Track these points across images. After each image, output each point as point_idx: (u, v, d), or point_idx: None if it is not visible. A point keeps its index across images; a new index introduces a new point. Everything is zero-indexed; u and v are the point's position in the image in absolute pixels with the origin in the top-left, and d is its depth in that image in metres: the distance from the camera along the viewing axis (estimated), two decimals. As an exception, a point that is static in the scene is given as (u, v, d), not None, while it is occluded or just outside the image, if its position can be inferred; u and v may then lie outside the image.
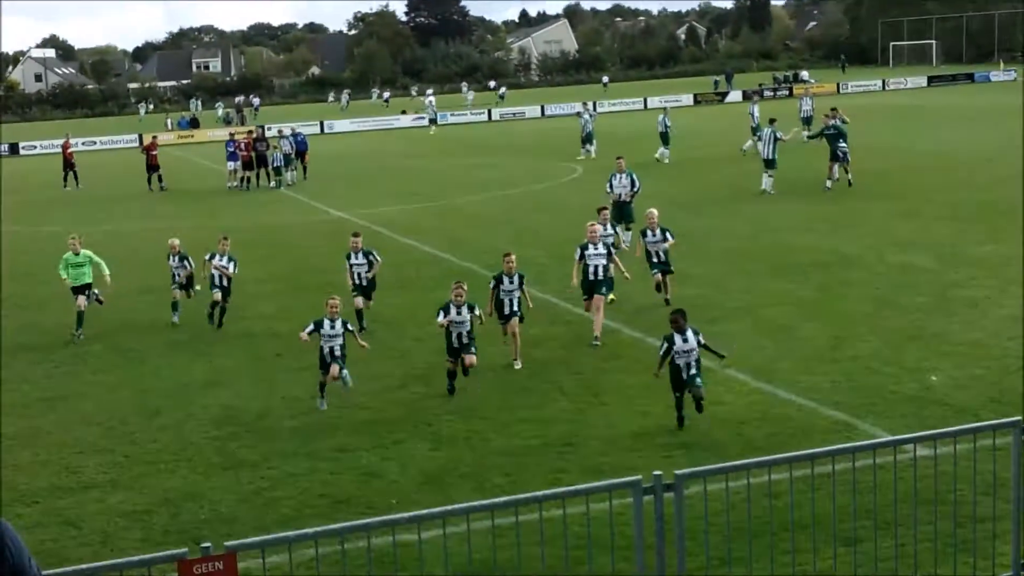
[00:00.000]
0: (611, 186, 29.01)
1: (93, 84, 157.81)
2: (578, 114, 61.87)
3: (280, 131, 54.23)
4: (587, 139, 53.98)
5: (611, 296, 20.84)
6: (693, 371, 15.00)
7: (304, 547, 10.21)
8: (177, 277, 23.39)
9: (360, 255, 21.65)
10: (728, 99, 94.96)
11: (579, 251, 19.92)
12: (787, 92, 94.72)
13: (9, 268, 31.42)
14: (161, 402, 17.60)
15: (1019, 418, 9.62)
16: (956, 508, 10.07)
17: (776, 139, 37.56)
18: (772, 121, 38.69)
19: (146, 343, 21.69)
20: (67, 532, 12.69)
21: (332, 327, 16.75)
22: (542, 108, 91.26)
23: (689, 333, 15.04)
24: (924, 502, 9.98)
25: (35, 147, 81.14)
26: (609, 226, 22.10)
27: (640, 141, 59.80)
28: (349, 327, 17.12)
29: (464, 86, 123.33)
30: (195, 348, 21.05)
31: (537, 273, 26.12)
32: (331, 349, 16.79)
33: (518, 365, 18.38)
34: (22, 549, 6.20)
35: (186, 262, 23.34)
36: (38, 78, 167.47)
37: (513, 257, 18.72)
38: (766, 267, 25.57)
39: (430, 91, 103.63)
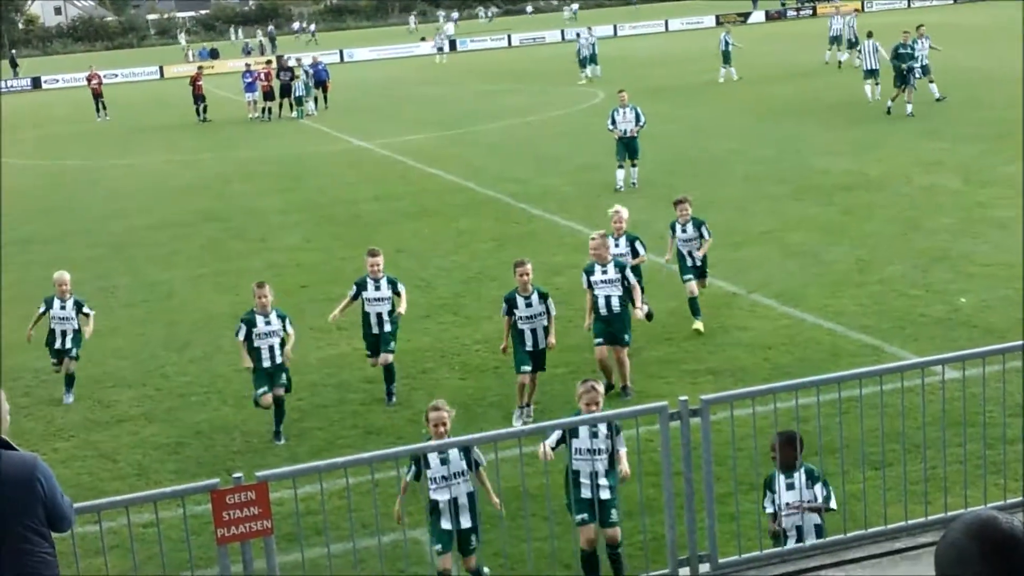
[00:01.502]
0: (614, 121, 26.71)
1: (112, 16, 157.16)
2: (577, 35, 61.53)
3: (299, 61, 53.95)
4: (584, 62, 54.32)
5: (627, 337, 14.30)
6: None
7: (335, 477, 10.34)
8: (59, 339, 15.23)
9: (382, 284, 14.49)
10: (751, 20, 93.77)
11: (584, 278, 14.18)
12: (811, 12, 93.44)
13: (34, 204, 31.54)
14: (190, 336, 17.72)
15: (1048, 340, 9.59)
16: (985, 430, 10.08)
17: (876, 50, 37.53)
18: (870, 35, 38.60)
19: (172, 277, 21.80)
20: (103, 465, 12.85)
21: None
22: (562, 32, 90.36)
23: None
24: (953, 424, 10.00)
25: (57, 80, 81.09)
26: (619, 207, 16.24)
27: (655, 67, 59.34)
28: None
29: (481, 10, 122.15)
30: (221, 281, 21.14)
31: (559, 202, 26.08)
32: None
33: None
34: (54, 484, 6.31)
35: (81, 311, 15.47)
36: (57, 11, 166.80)
37: (529, 267, 13.42)
38: (790, 190, 25.42)
39: (455, 15, 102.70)
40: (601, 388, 9.44)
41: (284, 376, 13.37)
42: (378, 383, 14.96)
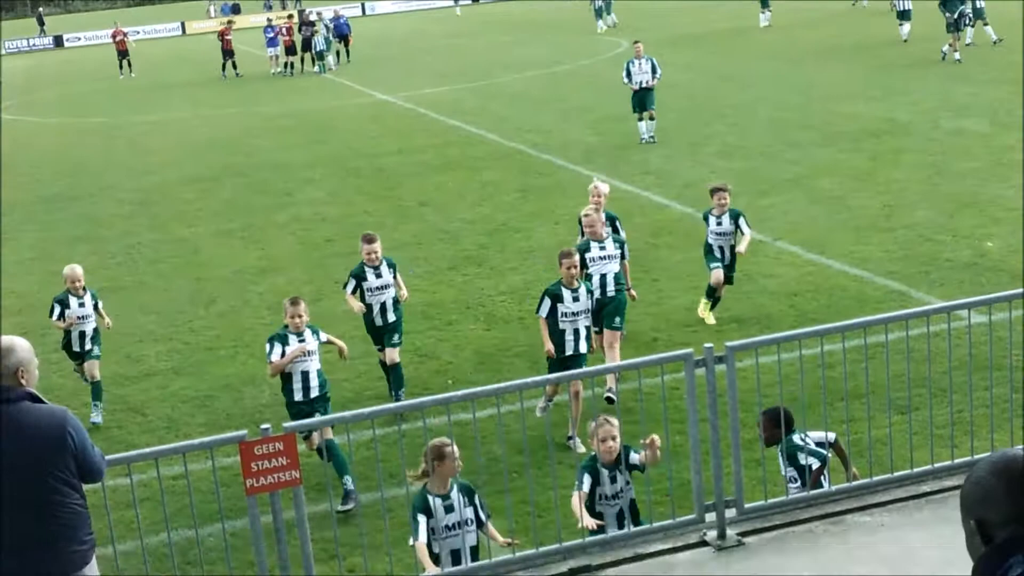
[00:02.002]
0: (629, 74, 25.96)
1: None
2: None
3: (320, 15, 53.79)
4: (600, 12, 54.17)
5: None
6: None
7: (362, 428, 10.42)
8: (77, 341, 13.40)
9: (383, 270, 12.94)
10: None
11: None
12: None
13: (59, 163, 31.66)
14: (217, 290, 17.81)
15: (1076, 282, 9.53)
16: (1012, 374, 10.04)
17: None
18: None
19: (197, 231, 21.87)
20: (132, 419, 12.98)
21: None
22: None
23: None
24: (979, 368, 9.96)
25: (79, 39, 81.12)
26: (598, 182, 14.54)
27: (678, 15, 58.91)
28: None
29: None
30: (246, 236, 21.20)
31: (584, 152, 25.99)
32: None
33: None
34: (84, 436, 6.38)
35: (95, 305, 13.49)
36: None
37: (576, 258, 11.83)
38: (817, 136, 25.25)
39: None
40: (615, 422, 8.47)
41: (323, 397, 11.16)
42: (404, 334, 14.94)
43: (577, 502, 8.23)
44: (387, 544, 8.51)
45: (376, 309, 12.86)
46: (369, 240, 12.90)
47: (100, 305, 13.50)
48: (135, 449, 10.14)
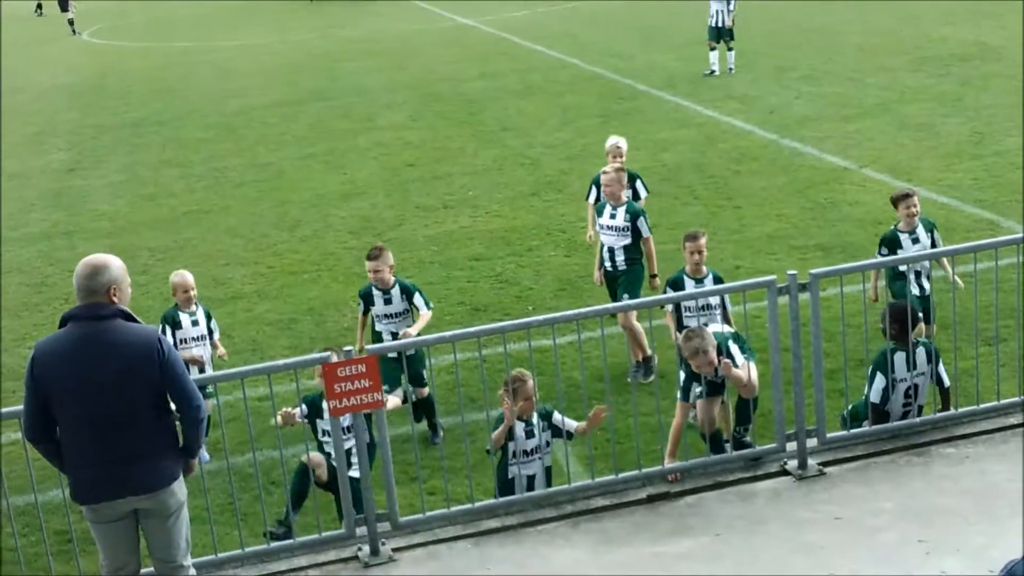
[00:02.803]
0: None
1: None
2: None
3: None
4: None
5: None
6: None
7: (443, 352, 10.51)
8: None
9: (394, 293, 10.48)
10: None
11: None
12: None
13: (143, 87, 31.99)
14: (300, 214, 17.96)
15: None
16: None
17: None
18: None
19: (281, 156, 22.03)
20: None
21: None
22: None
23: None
24: (1070, 300, 9.75)
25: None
26: (617, 139, 12.85)
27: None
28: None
29: None
30: (329, 160, 21.32)
31: (666, 77, 25.69)
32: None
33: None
34: (175, 358, 6.44)
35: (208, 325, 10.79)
36: None
37: (704, 241, 10.26)
38: (906, 61, 24.70)
39: None
40: (530, 380, 8.08)
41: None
42: (484, 260, 15.00)
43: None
44: (468, 468, 8.61)
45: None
46: (371, 257, 10.33)
47: (215, 327, 10.84)
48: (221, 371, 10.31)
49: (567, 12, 38.69)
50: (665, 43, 30.09)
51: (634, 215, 11.12)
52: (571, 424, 8.34)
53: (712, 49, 25.47)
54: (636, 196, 12.21)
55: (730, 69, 25.50)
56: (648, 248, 11.17)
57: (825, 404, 8.63)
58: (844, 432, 8.68)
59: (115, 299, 6.36)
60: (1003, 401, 8.87)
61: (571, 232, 15.86)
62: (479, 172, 19.29)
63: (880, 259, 10.35)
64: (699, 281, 10.11)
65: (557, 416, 8.31)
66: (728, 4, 25.29)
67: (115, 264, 6.43)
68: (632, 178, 12.23)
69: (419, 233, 16.47)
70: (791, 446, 8.52)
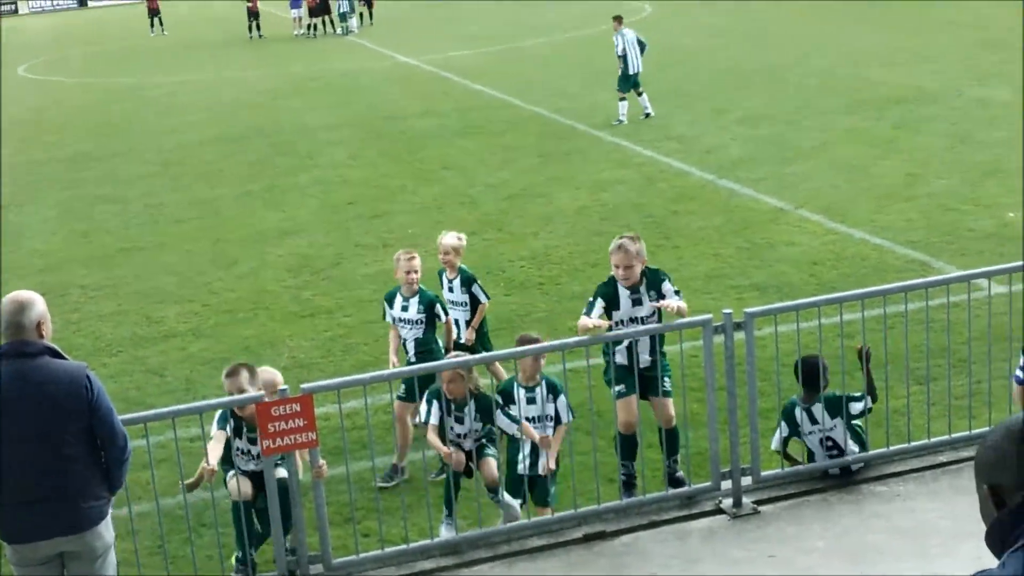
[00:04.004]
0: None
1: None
2: None
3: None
4: None
5: None
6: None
7: (380, 391, 10.43)
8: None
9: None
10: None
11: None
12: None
13: (83, 122, 31.73)
14: (237, 251, 17.84)
15: (1099, 254, 9.44)
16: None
17: None
18: None
19: (219, 193, 21.89)
20: (151, 380, 13.02)
21: None
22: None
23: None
24: (999, 339, 9.89)
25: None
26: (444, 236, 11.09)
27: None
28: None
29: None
30: (268, 198, 21.22)
31: (606, 118, 25.88)
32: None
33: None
34: (103, 396, 6.35)
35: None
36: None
37: (635, 248, 8.83)
38: (843, 104, 25.06)
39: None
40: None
41: None
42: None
43: (432, 435, 8.34)
44: (403, 508, 8.55)
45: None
46: (229, 374, 8.35)
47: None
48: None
49: (508, 53, 38.93)
50: (605, 84, 30.28)
51: (467, 282, 10.66)
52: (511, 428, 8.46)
53: (622, 99, 25.02)
54: (476, 302, 10.76)
55: (647, 113, 25.25)
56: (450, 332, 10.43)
57: (760, 443, 8.68)
58: (778, 470, 8.73)
59: (43, 335, 6.30)
60: (933, 439, 8.98)
61: (511, 271, 15.88)
62: (419, 210, 19.29)
63: (814, 299, 10.44)
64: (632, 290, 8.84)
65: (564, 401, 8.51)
66: (639, 51, 25.06)
67: (40, 300, 6.40)
68: (468, 281, 10.80)
69: (358, 271, 16.41)
70: (726, 484, 8.56)
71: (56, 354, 6.34)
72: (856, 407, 8.74)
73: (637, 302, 8.74)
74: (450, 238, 10.76)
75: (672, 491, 8.58)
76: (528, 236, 17.36)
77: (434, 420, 8.34)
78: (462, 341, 10.47)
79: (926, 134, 21.61)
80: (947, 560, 7.34)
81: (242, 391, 8.00)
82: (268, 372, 8.85)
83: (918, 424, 9.13)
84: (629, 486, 8.80)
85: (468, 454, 8.41)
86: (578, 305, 14.12)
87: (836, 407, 8.69)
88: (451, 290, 10.69)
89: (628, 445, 8.79)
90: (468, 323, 10.63)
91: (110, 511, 6.54)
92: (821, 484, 8.64)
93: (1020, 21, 34.08)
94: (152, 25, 54.16)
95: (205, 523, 9.24)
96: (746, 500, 8.47)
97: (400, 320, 10.28)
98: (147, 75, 40.60)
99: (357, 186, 21.40)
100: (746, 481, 8.58)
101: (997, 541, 3.02)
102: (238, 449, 8.35)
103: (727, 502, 8.49)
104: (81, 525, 6.32)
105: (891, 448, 8.92)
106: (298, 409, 7.64)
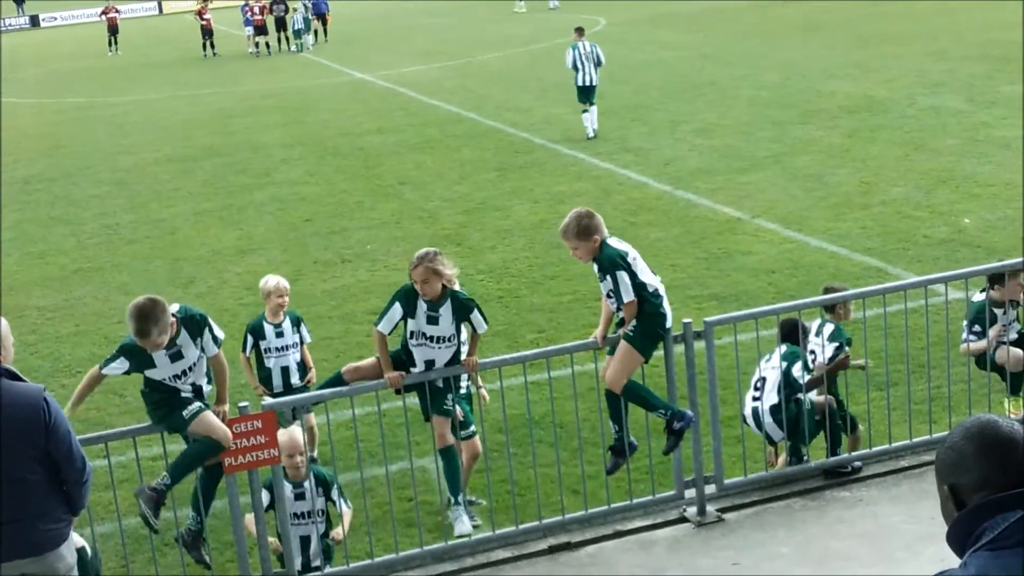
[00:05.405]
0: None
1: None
2: None
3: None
4: None
5: None
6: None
7: (342, 407, 10.40)
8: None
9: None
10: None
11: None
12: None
13: (36, 143, 31.44)
14: (194, 270, 17.73)
15: (1052, 257, 9.56)
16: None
17: None
18: None
19: (175, 212, 21.75)
20: (110, 401, 12.90)
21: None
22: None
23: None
24: (957, 344, 10.00)
25: (55, 18, 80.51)
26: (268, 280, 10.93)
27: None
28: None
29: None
30: (224, 216, 21.11)
31: (563, 131, 25.96)
32: None
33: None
34: (61, 419, 6.26)
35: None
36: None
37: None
38: (796, 115, 25.28)
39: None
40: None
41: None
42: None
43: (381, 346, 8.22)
44: (367, 523, 8.51)
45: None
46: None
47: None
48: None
49: (463, 67, 38.97)
50: (561, 97, 30.39)
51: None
52: None
53: (585, 112, 24.76)
54: (302, 341, 10.83)
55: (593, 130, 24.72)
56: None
57: (722, 451, 8.72)
58: (741, 478, 8.77)
59: (2, 358, 6.22)
60: (894, 444, 9.05)
61: (469, 285, 15.84)
62: (377, 226, 19.27)
63: (773, 306, 10.51)
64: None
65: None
66: (594, 64, 24.70)
67: (1, 322, 6.31)
68: (296, 320, 10.82)
69: (317, 288, 16.36)
70: (690, 493, 8.59)
71: (14, 376, 6.26)
72: (799, 371, 8.74)
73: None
74: (282, 280, 10.72)
75: (637, 500, 8.60)
76: (486, 250, 17.38)
77: (385, 329, 8.32)
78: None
79: (879, 143, 21.83)
80: (911, 563, 7.39)
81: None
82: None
83: (879, 429, 9.20)
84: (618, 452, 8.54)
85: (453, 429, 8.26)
86: (538, 318, 14.21)
87: (790, 357, 8.80)
88: (280, 335, 10.55)
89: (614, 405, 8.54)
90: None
91: (71, 533, 6.46)
92: (785, 491, 8.69)
93: (964, 32, 34.55)
94: (110, 44, 53.86)
95: (168, 543, 9.17)
96: (710, 508, 8.50)
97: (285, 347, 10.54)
98: (100, 95, 40.31)
99: (314, 203, 21.34)
100: (710, 489, 8.62)
101: (958, 541, 3.05)
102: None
103: (691, 510, 8.52)
104: (43, 547, 6.23)
105: (853, 454, 8.99)
106: (260, 426, 7.61)
